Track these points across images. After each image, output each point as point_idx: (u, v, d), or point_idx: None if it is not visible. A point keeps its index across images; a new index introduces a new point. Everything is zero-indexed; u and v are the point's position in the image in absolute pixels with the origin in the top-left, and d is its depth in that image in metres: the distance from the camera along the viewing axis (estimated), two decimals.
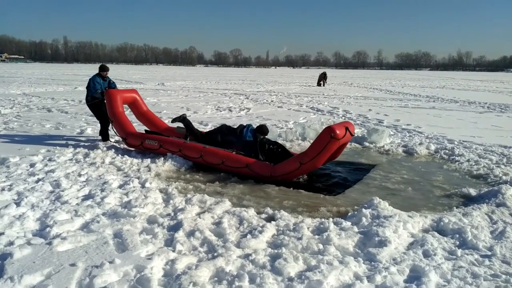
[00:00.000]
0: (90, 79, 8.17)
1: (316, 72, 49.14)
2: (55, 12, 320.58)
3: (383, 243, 3.54)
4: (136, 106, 7.99)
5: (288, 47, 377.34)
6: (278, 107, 15.53)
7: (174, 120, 7.42)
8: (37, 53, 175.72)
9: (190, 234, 3.70)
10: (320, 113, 13.84)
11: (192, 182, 5.57)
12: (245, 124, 6.98)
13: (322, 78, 30.52)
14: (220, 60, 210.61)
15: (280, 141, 8.31)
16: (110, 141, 7.96)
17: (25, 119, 10.84)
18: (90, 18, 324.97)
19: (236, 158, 6.01)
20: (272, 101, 17.77)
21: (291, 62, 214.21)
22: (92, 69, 69.26)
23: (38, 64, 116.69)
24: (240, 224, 3.99)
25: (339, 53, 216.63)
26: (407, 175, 6.21)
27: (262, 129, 6.48)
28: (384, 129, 9.14)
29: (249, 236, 3.68)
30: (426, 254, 3.44)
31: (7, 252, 3.22)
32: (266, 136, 6.50)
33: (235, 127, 6.95)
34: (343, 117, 12.65)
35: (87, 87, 8.22)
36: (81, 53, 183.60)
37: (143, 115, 7.95)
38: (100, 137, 8.18)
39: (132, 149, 7.15)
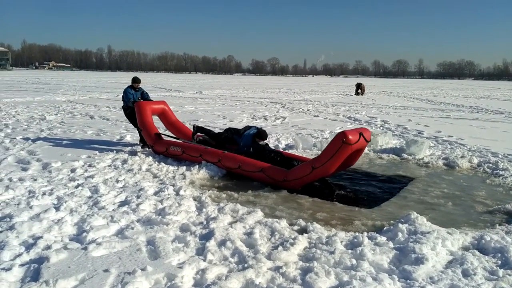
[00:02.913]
0: (124, 90, 8.70)
1: (354, 81, 48.49)
2: (100, 22, 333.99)
3: (419, 261, 3.41)
4: (165, 117, 8.47)
5: (326, 56, 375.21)
6: (314, 116, 15.41)
7: (193, 135, 7.77)
8: (83, 61, 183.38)
9: (222, 243, 3.71)
10: (357, 123, 13.61)
11: (225, 191, 5.59)
12: (251, 126, 7.20)
13: (358, 88, 30.03)
14: (257, 69, 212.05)
15: (315, 150, 8.23)
16: (147, 148, 8.15)
17: (68, 126, 11.28)
18: (133, 28, 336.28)
19: (251, 163, 6.20)
20: (308, 110, 17.67)
21: (329, 71, 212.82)
22: None
23: (83, 72, 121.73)
24: (271, 235, 3.96)
25: (378, 62, 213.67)
26: (448, 189, 5.97)
27: (261, 135, 6.74)
28: (424, 140, 8.85)
29: (280, 248, 3.64)
30: (466, 274, 3.28)
31: (44, 256, 3.33)
32: (265, 142, 6.70)
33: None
34: (381, 127, 12.38)
35: (122, 98, 8.71)
36: (124, 61, 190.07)
37: (172, 124, 8.41)
38: (141, 144, 8.50)
39: (169, 157, 7.26)
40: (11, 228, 3.93)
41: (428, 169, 7.26)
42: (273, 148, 6.97)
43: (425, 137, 10.39)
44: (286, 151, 7.86)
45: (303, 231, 4.12)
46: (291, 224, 4.30)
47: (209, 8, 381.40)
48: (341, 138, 5.35)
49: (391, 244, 3.79)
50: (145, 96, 8.88)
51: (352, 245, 3.79)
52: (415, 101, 24.90)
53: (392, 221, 4.50)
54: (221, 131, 7.99)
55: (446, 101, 25.15)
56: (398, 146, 8.68)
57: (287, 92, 32.92)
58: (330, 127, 12.28)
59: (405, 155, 8.07)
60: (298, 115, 15.53)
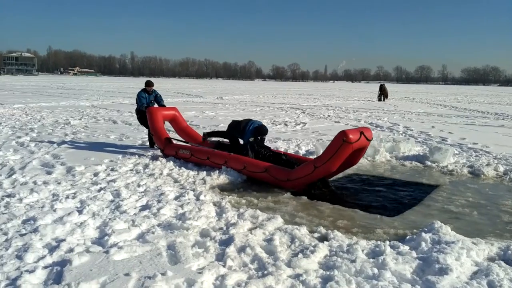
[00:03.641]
0: (137, 94, 9.06)
1: (375, 86, 47.90)
2: (124, 29, 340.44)
3: (443, 271, 3.32)
4: (176, 122, 8.75)
5: (347, 61, 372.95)
6: (335, 122, 15.30)
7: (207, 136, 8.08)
8: (106, 67, 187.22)
9: (241, 249, 3.69)
10: (379, 129, 13.45)
11: (245, 196, 5.58)
12: (253, 120, 7.26)
13: (381, 90, 29.58)
14: (278, 74, 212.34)
15: None
16: (155, 147, 8.53)
17: (92, 130, 11.49)
18: (155, 34, 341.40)
19: (256, 164, 6.40)
20: (329, 115, 17.56)
21: (350, 77, 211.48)
22: (156, 82, 72.29)
23: (106, 77, 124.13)
24: (291, 242, 3.92)
25: (401, 67, 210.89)
26: (473, 198, 5.82)
27: (261, 130, 6.92)
28: (448, 147, 8.67)
29: (300, 255, 3.60)
30: (491, 285, 3.17)
31: (67, 259, 3.38)
32: (260, 137, 6.98)
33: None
34: (404, 134, 12.20)
35: (136, 101, 9.01)
36: (146, 67, 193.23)
37: (183, 130, 8.69)
38: (148, 145, 8.97)
39: (189, 162, 7.30)
40: (35, 230, 4.01)
41: (452, 177, 7.10)
42: (265, 145, 7.19)
43: (449, 144, 10.18)
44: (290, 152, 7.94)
45: (323, 238, 4.08)
46: (311, 231, 4.26)
47: (230, 14, 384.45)
48: (341, 137, 5.47)
49: (414, 254, 3.71)
50: (158, 99, 9.22)
51: (374, 254, 3.72)
52: (439, 107, 24.47)
53: (415, 230, 4.40)
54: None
55: (470, 107, 24.63)
56: (421, 153, 8.53)
57: (308, 98, 32.83)
58: None
59: (428, 163, 7.92)
60: (319, 121, 15.45)
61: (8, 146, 8.64)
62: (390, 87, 37.04)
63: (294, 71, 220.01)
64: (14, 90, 34.46)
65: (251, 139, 6.94)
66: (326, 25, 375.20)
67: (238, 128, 7.23)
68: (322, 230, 4.27)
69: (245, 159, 6.58)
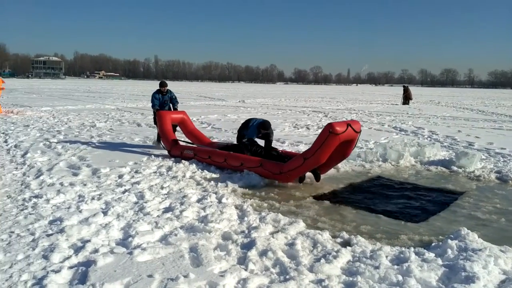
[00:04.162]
0: (152, 95, 9.60)
1: (399, 89, 47.12)
2: (148, 33, 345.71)
3: (470, 279, 3.23)
4: (184, 125, 9.21)
5: (370, 64, 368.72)
6: None
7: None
8: (131, 71, 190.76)
9: (263, 253, 3.68)
10: (403, 133, 13.24)
11: (267, 200, 5.57)
12: (256, 118, 7.73)
13: (405, 92, 29.04)
14: (300, 78, 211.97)
15: (359, 161, 8.08)
16: (161, 146, 9.01)
17: (116, 133, 11.69)
18: (179, 38, 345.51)
19: (252, 160, 6.81)
20: (352, 119, 17.36)
21: (373, 80, 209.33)
22: (179, 86, 73.48)
23: (131, 81, 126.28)
24: (313, 247, 3.89)
25: (426, 70, 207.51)
26: (500, 205, 5.66)
27: (264, 125, 7.28)
28: (475, 152, 8.46)
29: (322, 260, 3.57)
30: None
31: (92, 260, 3.44)
32: (264, 132, 7.34)
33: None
34: (429, 138, 11.97)
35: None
36: (170, 71, 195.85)
37: (190, 132, 9.15)
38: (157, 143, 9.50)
39: (212, 165, 7.34)
40: (61, 231, 4.10)
41: (479, 182, 6.92)
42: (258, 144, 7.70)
43: (476, 149, 9.93)
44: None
45: (346, 244, 4.03)
46: (333, 236, 4.22)
47: (252, 18, 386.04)
48: (328, 129, 5.80)
49: (439, 261, 3.63)
50: (173, 101, 9.70)
51: (398, 260, 3.65)
52: (465, 111, 23.92)
53: (440, 237, 4.31)
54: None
55: (498, 111, 23.98)
56: (447, 158, 8.35)
57: (330, 101, 32.61)
58: (375, 137, 12.00)
59: (454, 168, 7.74)
60: None
61: (36, 148, 8.87)
62: (414, 90, 36.47)
63: (316, 74, 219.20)
64: (42, 93, 35.44)
65: (255, 136, 7.49)
66: (349, 27, 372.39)
67: (245, 126, 7.57)
68: (345, 235, 4.22)
69: (242, 157, 7.02)
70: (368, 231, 4.53)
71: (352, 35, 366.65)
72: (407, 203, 5.72)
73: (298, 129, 13.69)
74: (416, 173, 7.52)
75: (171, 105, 9.80)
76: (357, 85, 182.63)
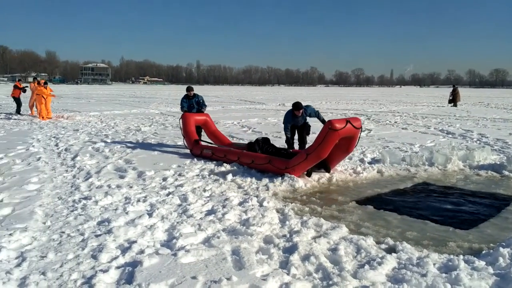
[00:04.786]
0: (180, 100, 10.46)
1: (446, 91, 45.37)
2: (190, 39, 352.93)
3: None
4: (206, 127, 10.02)
5: (414, 65, 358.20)
6: (403, 128, 14.73)
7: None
8: (174, 76, 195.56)
9: (305, 258, 3.65)
10: (450, 136, 12.75)
11: (308, 204, 5.52)
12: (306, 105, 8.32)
13: (454, 92, 27.94)
14: (341, 80, 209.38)
15: (404, 165, 7.86)
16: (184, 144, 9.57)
17: (160, 136, 12.00)
18: (220, 43, 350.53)
19: (261, 157, 7.34)
20: (395, 122, 16.94)
21: (418, 81, 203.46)
22: (220, 90, 74.48)
23: (174, 86, 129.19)
24: (357, 253, 3.81)
25: (474, 71, 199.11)
26: None
27: (296, 106, 7.74)
28: None
29: (366, 266, 3.49)
30: None
31: (138, 260, 3.54)
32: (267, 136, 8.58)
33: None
34: (478, 142, 11.46)
35: None
36: (211, 75, 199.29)
37: (212, 133, 9.96)
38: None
39: (252, 168, 7.37)
40: (109, 232, 4.25)
41: None
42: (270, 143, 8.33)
43: None
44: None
45: (391, 250, 3.92)
46: (378, 242, 4.12)
47: (292, 21, 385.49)
48: (328, 126, 6.24)
49: (490, 270, 3.46)
50: (201, 105, 10.36)
51: (447, 268, 3.51)
52: None
53: (491, 244, 4.11)
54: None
55: None
56: (498, 162, 7.96)
57: (373, 104, 31.95)
58: (420, 140, 11.63)
59: (506, 172, 7.36)
60: (385, 127, 14.96)
61: (85, 151, 9.25)
62: (462, 91, 35.00)
63: (358, 76, 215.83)
64: (90, 98, 36.95)
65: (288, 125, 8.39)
66: (392, 28, 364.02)
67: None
68: (390, 241, 4.11)
69: (253, 155, 7.59)
70: (414, 238, 4.38)
71: (395, 35, 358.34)
72: (455, 209, 5.50)
73: None
74: (464, 178, 7.22)
75: (198, 107, 10.44)
76: (400, 86, 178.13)
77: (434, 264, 3.56)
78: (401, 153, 8.74)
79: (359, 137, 6.92)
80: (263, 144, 8.09)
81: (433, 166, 7.81)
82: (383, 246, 4.03)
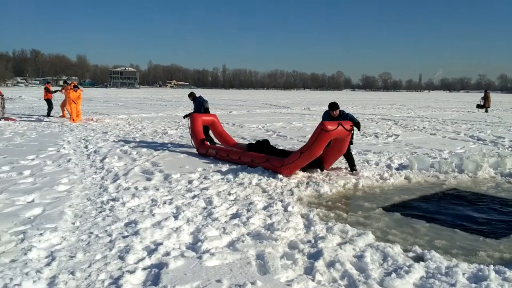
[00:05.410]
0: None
1: (476, 96, 44.09)
2: (216, 44, 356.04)
3: None
4: (214, 127, 10.57)
5: (444, 70, 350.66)
6: (431, 134, 14.42)
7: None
8: (200, 80, 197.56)
9: (330, 264, 3.62)
10: (481, 142, 12.40)
11: (333, 210, 5.47)
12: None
13: (485, 98, 27.14)
14: (367, 84, 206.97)
15: (432, 172, 7.70)
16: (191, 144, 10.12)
17: (186, 140, 12.11)
18: (246, 48, 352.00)
19: (259, 156, 7.84)
20: (424, 127, 16.61)
21: (447, 86, 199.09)
22: (246, 94, 74.71)
23: (200, 89, 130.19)
24: (384, 261, 3.75)
25: (505, 75, 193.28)
26: None
27: (332, 106, 7.64)
28: None
29: (393, 275, 3.42)
30: None
31: (164, 262, 3.59)
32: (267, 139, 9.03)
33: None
34: (510, 148, 11.10)
35: None
36: (236, 79, 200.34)
37: (219, 133, 10.50)
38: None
39: (275, 172, 7.36)
40: (136, 233, 4.32)
41: None
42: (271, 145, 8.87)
43: None
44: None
45: (419, 258, 3.83)
46: (405, 250, 4.04)
47: (318, 25, 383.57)
48: (320, 127, 6.70)
49: None
50: (204, 105, 11.16)
51: (476, 278, 3.41)
52: None
53: None
54: None
55: None
56: None
57: (400, 108, 31.42)
58: (450, 146, 11.36)
59: None
60: (413, 133, 14.68)
61: (113, 153, 9.44)
62: (493, 96, 34.02)
63: (385, 81, 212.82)
64: (119, 101, 37.76)
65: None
66: (420, 31, 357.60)
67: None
68: (418, 249, 4.02)
69: (252, 154, 8.05)
70: (442, 246, 4.28)
71: (424, 39, 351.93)
72: (486, 218, 5.34)
73: (366, 137, 13.30)
74: (496, 186, 7.00)
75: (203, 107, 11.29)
76: (429, 91, 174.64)
77: (463, 274, 3.46)
78: (429, 159, 8.55)
79: (352, 140, 7.49)
80: (262, 145, 8.63)
81: (463, 173, 7.61)
82: (411, 254, 3.94)
